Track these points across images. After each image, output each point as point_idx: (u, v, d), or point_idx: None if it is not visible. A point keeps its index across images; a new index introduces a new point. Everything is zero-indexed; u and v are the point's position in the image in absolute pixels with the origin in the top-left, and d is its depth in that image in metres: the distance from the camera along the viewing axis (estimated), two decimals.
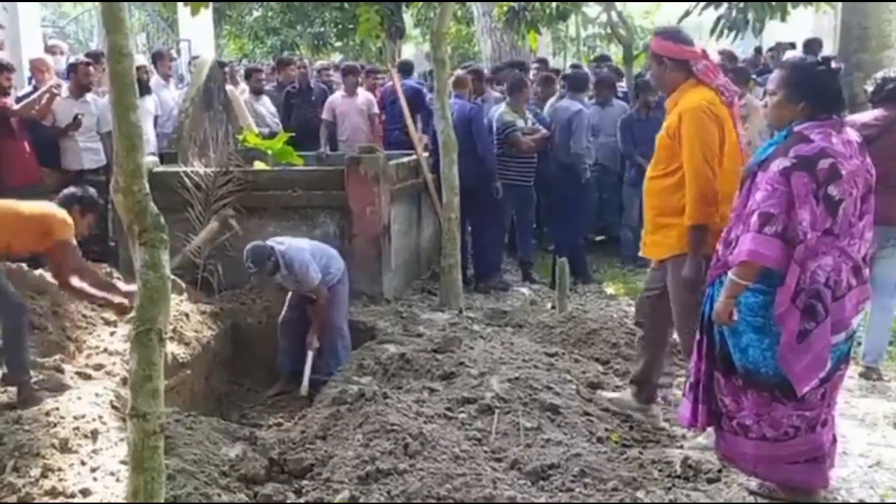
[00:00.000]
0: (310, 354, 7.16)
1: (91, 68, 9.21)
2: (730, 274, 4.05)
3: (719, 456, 4.58)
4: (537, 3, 11.90)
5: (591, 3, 12.61)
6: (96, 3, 18.84)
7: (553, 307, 8.00)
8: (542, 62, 14.15)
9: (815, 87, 4.04)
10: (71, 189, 6.11)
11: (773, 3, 10.05)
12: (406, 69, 12.79)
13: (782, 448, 4.18)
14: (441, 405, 5.43)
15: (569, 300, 7.79)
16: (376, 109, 11.26)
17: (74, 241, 5.77)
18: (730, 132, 4.95)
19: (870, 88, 6.58)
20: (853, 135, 4.16)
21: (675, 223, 4.95)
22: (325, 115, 11.15)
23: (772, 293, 3.97)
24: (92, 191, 6.24)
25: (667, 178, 4.96)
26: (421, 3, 13.96)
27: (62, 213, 5.78)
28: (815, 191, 3.87)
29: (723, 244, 4.22)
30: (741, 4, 10.22)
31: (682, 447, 5.14)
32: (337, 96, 11.35)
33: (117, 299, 5.87)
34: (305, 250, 7.11)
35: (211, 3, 8.69)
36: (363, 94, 11.36)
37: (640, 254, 5.38)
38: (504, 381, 5.70)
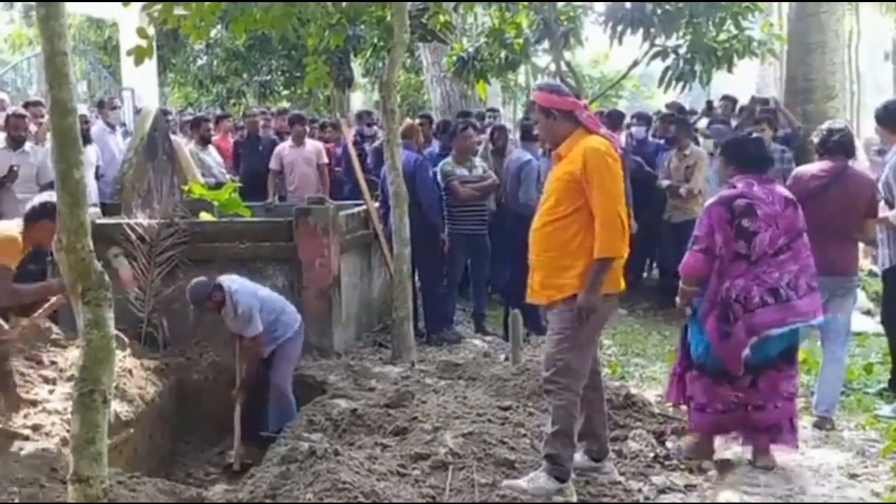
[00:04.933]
0: (237, 410, 7.04)
1: (24, 120, 9.02)
2: (680, 282, 5.63)
3: (691, 427, 5.83)
4: (486, 53, 11.95)
5: (540, 53, 12.70)
6: (36, 51, 18.63)
7: (507, 359, 7.93)
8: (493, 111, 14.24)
9: (739, 154, 5.66)
10: (43, 198, 5.91)
11: (720, 54, 10.21)
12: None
13: (729, 418, 5.55)
14: (394, 462, 5.33)
15: (522, 352, 7.73)
16: (325, 159, 11.16)
17: (10, 266, 5.76)
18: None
19: (816, 140, 6.65)
20: (782, 191, 5.59)
21: (574, 264, 4.97)
22: (272, 165, 11.04)
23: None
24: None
25: (567, 220, 4.99)
26: (369, 53, 13.98)
27: (7, 234, 5.68)
28: (730, 220, 5.36)
29: None
30: (688, 55, 10.36)
31: (637, 502, 5.08)
32: (284, 146, 11.23)
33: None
34: (256, 297, 7.04)
35: (155, 52, 8.58)
36: (311, 144, 11.27)
37: (529, 300, 5.32)
38: (458, 436, 5.61)
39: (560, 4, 11.21)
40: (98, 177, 9.88)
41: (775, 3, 21.90)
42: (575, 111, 5.10)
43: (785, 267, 5.42)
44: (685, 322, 5.81)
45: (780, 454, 5.76)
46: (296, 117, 11.64)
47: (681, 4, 10.12)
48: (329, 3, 9.24)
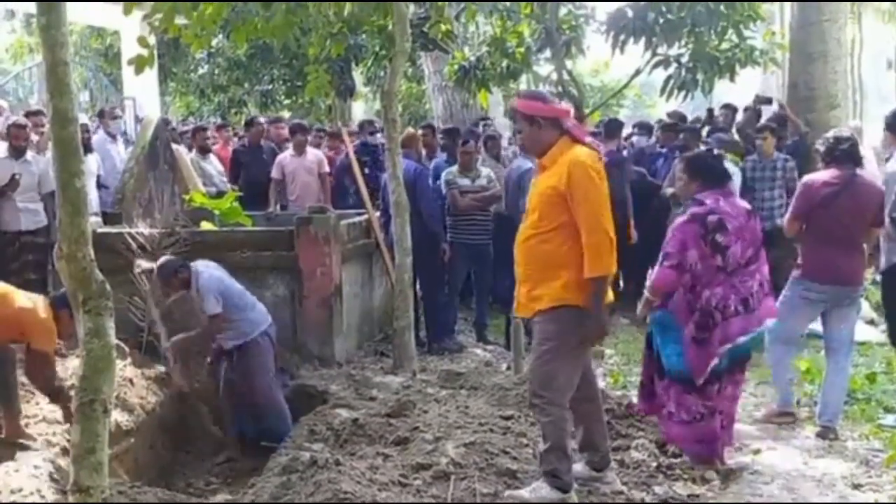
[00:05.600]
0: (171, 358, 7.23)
1: (25, 130, 9.00)
2: (645, 292, 5.83)
3: (662, 438, 6.01)
4: (488, 62, 11.94)
5: (541, 62, 12.69)
6: (37, 61, 18.64)
7: (508, 368, 7.92)
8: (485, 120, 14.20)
9: (703, 171, 5.78)
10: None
11: (721, 63, 10.20)
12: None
13: (695, 429, 5.67)
14: (395, 472, 5.30)
15: (524, 361, 7.70)
16: (327, 168, 11.14)
17: (51, 354, 5.80)
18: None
19: (821, 148, 6.63)
20: (743, 203, 5.85)
21: (559, 274, 4.90)
22: (274, 174, 11.03)
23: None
24: None
25: (552, 233, 4.90)
26: (371, 62, 13.98)
27: (44, 318, 5.71)
28: (704, 236, 5.50)
29: None
30: (690, 64, 10.35)
31: None
32: (286, 155, 11.21)
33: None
34: (219, 282, 7.07)
35: (156, 61, 8.57)
36: (313, 153, 11.25)
37: (516, 314, 5.31)
38: (459, 445, 5.59)
39: (562, 13, 11.19)
40: (100, 186, 9.88)
41: (777, 13, 21.92)
42: (560, 118, 5.00)
43: (755, 276, 5.67)
44: (649, 330, 5.96)
45: (785, 463, 5.88)
46: (297, 127, 11.62)
47: (682, 14, 10.11)
48: (330, 13, 9.23)
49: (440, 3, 9.96)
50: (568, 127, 5.00)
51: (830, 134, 6.76)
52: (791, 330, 6.60)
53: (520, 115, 5.15)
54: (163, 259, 7.22)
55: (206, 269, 7.14)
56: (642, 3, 10.35)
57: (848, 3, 15.12)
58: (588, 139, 5.07)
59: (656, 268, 5.68)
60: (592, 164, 4.86)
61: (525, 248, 5.08)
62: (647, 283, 5.77)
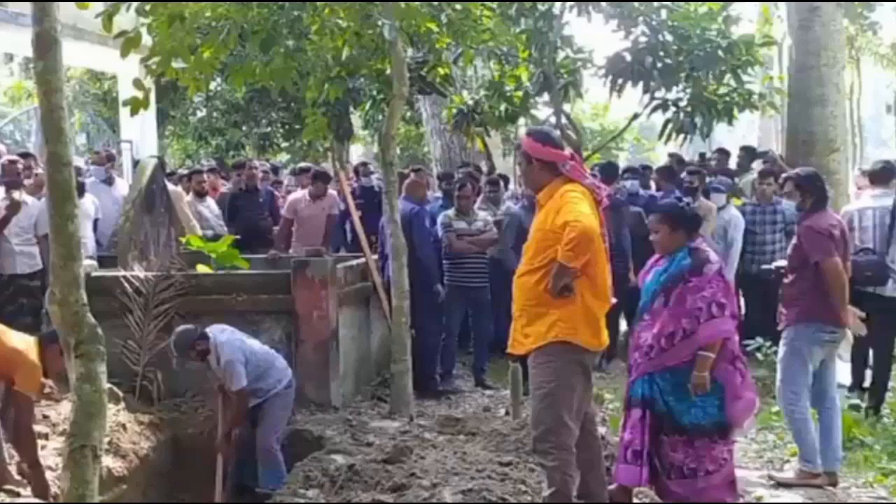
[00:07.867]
0: (219, 463, 6.86)
1: (16, 165, 8.98)
2: (702, 353, 5.29)
3: (670, 500, 5.63)
4: (486, 106, 11.97)
5: (539, 106, 12.71)
6: (35, 105, 18.70)
7: (507, 413, 7.84)
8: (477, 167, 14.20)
9: (688, 221, 5.57)
10: None
11: (720, 107, 10.22)
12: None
13: (718, 477, 5.47)
14: None
15: (523, 406, 7.62)
16: (336, 210, 11.05)
17: (31, 400, 5.77)
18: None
19: (808, 185, 6.57)
20: None
21: (546, 311, 4.94)
22: (286, 214, 10.98)
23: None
24: None
25: (544, 270, 4.93)
26: (369, 105, 14.00)
27: (31, 361, 5.70)
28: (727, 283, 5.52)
29: (664, 340, 5.41)
30: (689, 108, 10.38)
31: None
32: (300, 198, 11.12)
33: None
34: (242, 350, 6.91)
35: (154, 104, 8.58)
36: (330, 196, 11.13)
37: (510, 350, 5.27)
38: (457, 492, 5.52)
39: (560, 57, 11.24)
40: (98, 242, 9.77)
41: (776, 58, 22.06)
42: (557, 163, 5.04)
43: None
44: (635, 393, 5.57)
45: None
46: (321, 174, 11.47)
47: (681, 58, 10.15)
48: (328, 57, 9.24)
49: (438, 47, 9.98)
50: (564, 170, 5.03)
51: (808, 172, 6.71)
52: (807, 378, 6.30)
53: (521, 150, 5.27)
54: (179, 329, 6.97)
55: (227, 339, 6.92)
56: (640, 47, 10.39)
57: (846, 50, 15.22)
58: (588, 181, 5.11)
59: (708, 324, 5.30)
60: (580, 190, 4.95)
61: (519, 284, 5.12)
62: (702, 341, 5.31)
